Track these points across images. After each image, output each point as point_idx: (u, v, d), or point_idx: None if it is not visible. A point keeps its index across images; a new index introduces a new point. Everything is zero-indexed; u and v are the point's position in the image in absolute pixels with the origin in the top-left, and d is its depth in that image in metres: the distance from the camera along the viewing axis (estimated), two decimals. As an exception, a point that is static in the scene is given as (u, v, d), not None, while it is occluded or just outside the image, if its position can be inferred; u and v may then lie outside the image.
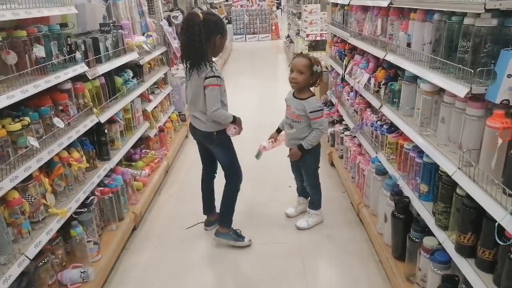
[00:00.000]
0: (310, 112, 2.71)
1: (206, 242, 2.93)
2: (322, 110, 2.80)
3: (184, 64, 2.62)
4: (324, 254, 2.76)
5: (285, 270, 2.60)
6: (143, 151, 3.87)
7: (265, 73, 9.25)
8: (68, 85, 2.49)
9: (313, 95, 2.81)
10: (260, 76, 8.73)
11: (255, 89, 7.70)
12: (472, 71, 1.67)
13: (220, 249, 2.83)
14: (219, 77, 2.53)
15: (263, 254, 2.76)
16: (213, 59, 2.64)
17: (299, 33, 8.21)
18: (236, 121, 2.68)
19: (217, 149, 2.76)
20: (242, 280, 2.56)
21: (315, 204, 3.03)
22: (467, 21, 1.73)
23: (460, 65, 1.75)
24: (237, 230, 2.88)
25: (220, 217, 2.91)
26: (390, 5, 2.60)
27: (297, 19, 9.13)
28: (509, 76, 1.49)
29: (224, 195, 2.85)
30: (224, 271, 2.63)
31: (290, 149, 2.89)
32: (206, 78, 2.51)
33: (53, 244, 2.24)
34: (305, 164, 2.93)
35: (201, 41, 2.47)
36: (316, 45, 7.45)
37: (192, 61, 2.55)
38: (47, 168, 2.26)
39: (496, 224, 1.45)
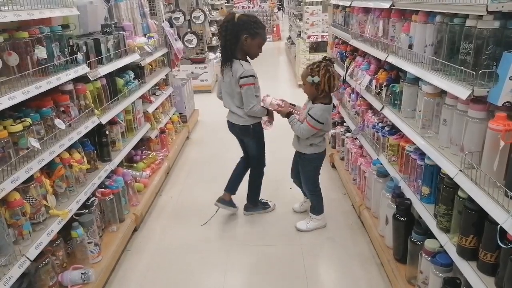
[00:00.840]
0: (309, 114, 2.66)
1: (207, 244, 2.92)
2: (319, 123, 2.64)
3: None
4: (325, 256, 2.75)
5: (286, 273, 2.59)
6: (144, 152, 3.87)
7: (267, 74, 9.22)
8: (70, 86, 2.49)
9: (323, 102, 2.66)
10: (261, 78, 8.70)
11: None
12: (474, 73, 1.67)
13: (221, 251, 2.82)
14: (253, 76, 2.74)
15: (264, 256, 2.76)
16: (249, 60, 2.83)
17: (300, 34, 8.21)
18: (269, 113, 2.88)
19: (252, 141, 3.01)
20: (243, 283, 2.55)
21: (316, 209, 3.00)
22: (469, 23, 1.73)
23: (462, 67, 1.75)
24: (262, 199, 3.28)
25: (249, 196, 3.22)
26: (392, 7, 2.60)
27: (298, 20, 9.13)
28: (511, 78, 1.49)
29: (250, 179, 3.17)
30: (224, 273, 2.62)
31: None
32: (241, 77, 2.71)
33: (53, 245, 2.24)
34: (304, 169, 2.92)
35: (226, 37, 2.70)
36: (317, 47, 7.44)
37: (222, 56, 2.82)
38: (48, 169, 2.26)
39: (498, 227, 1.45)
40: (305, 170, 2.92)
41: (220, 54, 2.86)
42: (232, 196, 3.20)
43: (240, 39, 2.70)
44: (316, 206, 3.00)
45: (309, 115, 2.65)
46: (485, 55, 1.66)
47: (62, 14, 2.40)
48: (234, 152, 4.58)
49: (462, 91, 1.69)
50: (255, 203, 3.25)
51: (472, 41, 1.71)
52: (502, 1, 1.53)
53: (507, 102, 1.53)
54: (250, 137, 2.98)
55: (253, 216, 3.24)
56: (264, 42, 2.84)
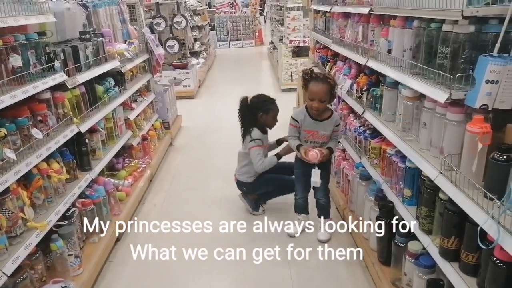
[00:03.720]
0: (337, 125, 2.84)
1: (192, 252, 2.87)
2: None
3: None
4: (310, 261, 2.74)
5: (272, 278, 2.58)
6: (126, 160, 3.80)
7: (250, 79, 9.26)
8: (47, 95, 2.43)
9: (331, 110, 2.87)
10: (244, 83, 8.74)
11: (240, 95, 7.67)
12: (452, 76, 1.70)
13: (206, 258, 2.79)
14: (258, 139, 3.11)
15: (250, 262, 2.73)
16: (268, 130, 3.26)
17: (282, 39, 8.25)
18: (279, 157, 3.15)
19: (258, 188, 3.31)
20: (228, 290, 2.53)
21: (328, 211, 3.00)
22: (445, 27, 1.76)
23: (440, 71, 1.78)
24: (259, 203, 3.34)
25: (249, 187, 3.33)
26: (371, 12, 2.64)
27: (280, 25, 9.18)
28: (487, 81, 1.52)
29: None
30: (210, 281, 2.59)
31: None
32: (249, 141, 3.14)
33: (32, 259, 2.16)
34: (326, 174, 2.90)
35: (244, 119, 3.22)
36: (299, 51, 7.50)
37: (242, 131, 3.25)
38: (25, 180, 2.20)
39: (479, 228, 1.47)
40: (328, 173, 2.99)
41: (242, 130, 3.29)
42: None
43: (257, 117, 3.15)
44: (329, 208, 2.99)
45: (338, 125, 2.89)
46: (461, 59, 1.69)
47: (38, 21, 2.35)
48: (218, 157, 4.57)
49: (440, 95, 1.72)
50: (258, 197, 3.36)
51: (448, 45, 1.74)
52: (477, 6, 1.56)
53: (484, 105, 1.55)
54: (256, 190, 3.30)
55: (239, 222, 3.19)
56: (278, 113, 3.21)
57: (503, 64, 1.49)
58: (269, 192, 3.33)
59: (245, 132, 3.21)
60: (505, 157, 1.45)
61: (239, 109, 3.25)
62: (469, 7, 1.56)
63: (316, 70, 2.83)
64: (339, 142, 3.33)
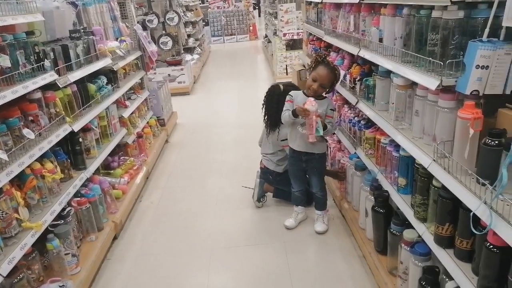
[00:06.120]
0: (331, 109, 2.76)
1: (189, 248, 2.89)
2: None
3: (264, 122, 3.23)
4: (308, 252, 2.75)
5: (270, 270, 2.58)
6: (121, 158, 3.79)
7: (245, 74, 9.23)
8: (38, 95, 2.41)
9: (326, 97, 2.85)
10: (240, 77, 8.71)
11: (236, 90, 7.67)
12: (442, 63, 1.69)
13: (203, 254, 2.79)
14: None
15: (247, 256, 2.74)
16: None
17: (276, 32, 8.22)
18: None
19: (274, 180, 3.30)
20: (227, 285, 2.53)
21: (325, 203, 2.97)
22: (435, 14, 1.75)
23: (430, 58, 1.77)
24: (265, 196, 3.33)
25: (275, 177, 3.28)
26: (361, 1, 2.62)
27: (273, 18, 9.13)
28: (477, 67, 1.51)
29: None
30: (207, 276, 2.59)
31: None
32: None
33: (28, 259, 2.16)
34: (318, 167, 2.90)
35: (278, 107, 2.89)
36: (293, 44, 7.47)
37: (271, 123, 3.13)
38: (19, 181, 2.19)
39: (471, 213, 1.47)
40: (320, 167, 2.93)
41: (268, 121, 3.17)
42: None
43: None
44: (325, 200, 2.97)
45: (332, 109, 2.79)
46: (451, 45, 1.69)
47: (25, 21, 2.32)
48: (214, 153, 4.57)
49: (431, 82, 1.71)
50: (271, 185, 3.31)
51: (438, 32, 1.73)
52: (465, -9, 1.55)
53: (475, 90, 1.55)
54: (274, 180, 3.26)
55: (236, 216, 3.22)
56: None
57: (493, 49, 1.48)
58: (286, 193, 3.16)
59: (273, 124, 3.10)
60: (496, 142, 1.44)
61: (267, 97, 3.13)
62: (457, -8, 1.55)
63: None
64: (334, 133, 3.33)
